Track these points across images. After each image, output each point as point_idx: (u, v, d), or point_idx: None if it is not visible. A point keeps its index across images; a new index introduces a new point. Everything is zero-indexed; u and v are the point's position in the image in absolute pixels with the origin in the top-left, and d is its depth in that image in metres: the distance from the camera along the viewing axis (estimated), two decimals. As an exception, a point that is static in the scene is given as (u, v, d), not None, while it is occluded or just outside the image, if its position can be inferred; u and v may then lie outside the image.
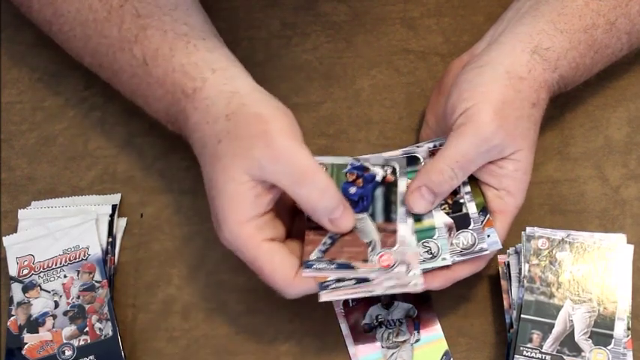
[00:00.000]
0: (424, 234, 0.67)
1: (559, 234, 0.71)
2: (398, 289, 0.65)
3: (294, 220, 0.70)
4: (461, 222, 0.67)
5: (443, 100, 0.73)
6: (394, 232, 0.67)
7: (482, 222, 0.67)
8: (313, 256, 0.66)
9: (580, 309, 0.69)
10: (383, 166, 0.70)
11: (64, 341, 0.72)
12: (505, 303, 0.71)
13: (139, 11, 0.71)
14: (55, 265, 0.74)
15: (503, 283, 0.72)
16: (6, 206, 0.79)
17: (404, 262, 0.65)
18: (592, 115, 0.80)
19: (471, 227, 0.67)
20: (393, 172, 0.70)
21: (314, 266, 0.65)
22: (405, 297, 0.74)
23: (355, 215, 0.67)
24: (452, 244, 0.67)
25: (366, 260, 0.66)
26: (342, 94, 0.82)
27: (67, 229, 0.75)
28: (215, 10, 0.84)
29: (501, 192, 0.68)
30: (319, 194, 0.65)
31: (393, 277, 0.65)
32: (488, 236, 0.67)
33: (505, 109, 0.66)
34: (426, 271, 0.66)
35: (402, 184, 0.69)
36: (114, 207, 0.77)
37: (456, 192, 0.68)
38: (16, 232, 0.76)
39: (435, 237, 0.67)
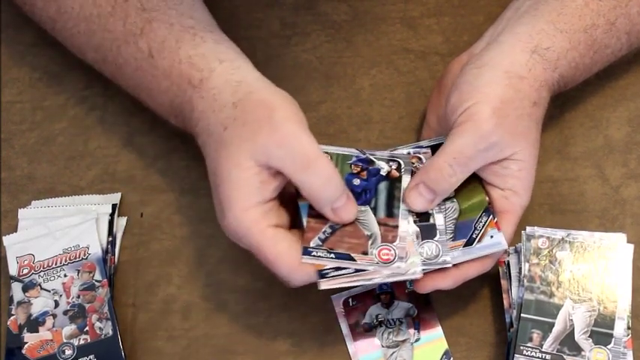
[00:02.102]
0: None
1: (559, 233, 0.71)
2: (397, 277, 0.65)
3: (298, 212, 0.70)
4: (427, 232, 0.67)
5: (443, 100, 0.73)
6: (395, 227, 0.67)
7: (484, 224, 0.67)
8: (313, 243, 0.66)
9: (580, 308, 0.69)
10: (388, 161, 0.70)
11: (64, 340, 0.72)
12: (505, 302, 0.71)
13: (143, 5, 0.71)
14: (55, 264, 0.74)
15: (503, 282, 0.72)
16: (6, 205, 0.79)
17: (403, 258, 0.65)
18: (592, 114, 0.80)
19: (436, 238, 0.67)
20: (398, 167, 0.70)
21: (313, 253, 0.65)
22: (406, 296, 0.74)
23: (358, 207, 0.67)
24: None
25: (365, 253, 0.66)
26: (342, 93, 0.82)
27: (67, 229, 0.75)
28: (215, 10, 0.84)
29: (507, 192, 0.68)
30: (323, 182, 0.65)
31: (391, 270, 0.65)
32: (492, 237, 0.67)
33: (504, 108, 0.66)
34: (427, 271, 0.66)
35: (407, 180, 0.69)
36: (114, 206, 0.77)
37: None
38: (16, 231, 0.76)
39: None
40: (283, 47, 0.84)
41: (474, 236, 0.67)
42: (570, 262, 0.70)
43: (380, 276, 0.65)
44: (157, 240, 0.77)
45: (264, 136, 0.64)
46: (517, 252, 0.71)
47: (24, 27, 0.83)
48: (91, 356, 0.71)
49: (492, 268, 0.71)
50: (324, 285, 0.64)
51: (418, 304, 0.74)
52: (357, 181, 0.69)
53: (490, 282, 0.74)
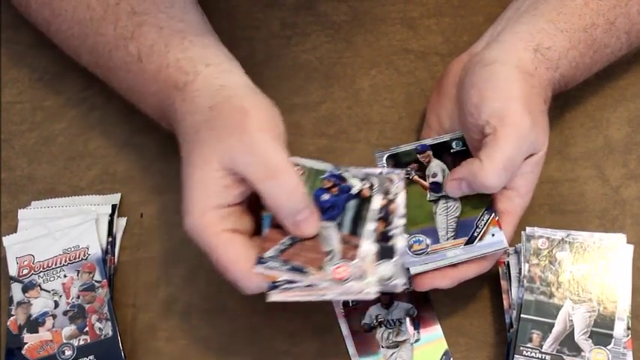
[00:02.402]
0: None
1: (559, 234, 0.71)
2: (350, 296, 0.64)
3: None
4: (385, 252, 0.66)
5: (443, 100, 0.73)
6: (356, 246, 0.65)
7: (486, 222, 0.67)
8: (269, 253, 0.65)
9: (580, 309, 0.69)
10: (362, 179, 0.68)
11: (64, 341, 0.72)
12: (505, 303, 0.71)
13: (134, 9, 0.71)
14: (55, 264, 0.74)
15: (503, 283, 0.72)
16: (6, 206, 0.79)
17: (358, 277, 0.64)
18: (592, 115, 0.80)
19: (393, 260, 0.65)
20: (371, 187, 0.68)
21: (267, 264, 0.64)
22: (405, 297, 0.74)
23: (322, 223, 0.66)
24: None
25: (321, 268, 0.64)
26: (342, 93, 0.82)
27: (66, 229, 0.75)
28: (215, 10, 0.84)
29: (511, 192, 0.68)
30: (286, 193, 0.64)
31: (344, 289, 0.64)
32: (493, 235, 0.67)
33: (529, 104, 0.66)
34: (424, 272, 0.66)
35: (377, 201, 0.67)
36: (114, 207, 0.77)
37: (388, 222, 0.67)
38: (16, 231, 0.76)
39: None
40: (283, 47, 0.84)
41: (476, 234, 0.67)
42: (570, 263, 0.70)
43: (332, 293, 0.64)
44: (156, 240, 0.77)
45: (232, 141, 0.64)
46: (517, 252, 0.71)
47: (24, 27, 0.83)
48: (91, 357, 0.71)
49: (492, 268, 0.71)
50: (274, 297, 0.64)
51: (418, 305, 0.74)
52: (326, 196, 0.67)
53: (490, 282, 0.74)
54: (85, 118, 0.82)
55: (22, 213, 0.77)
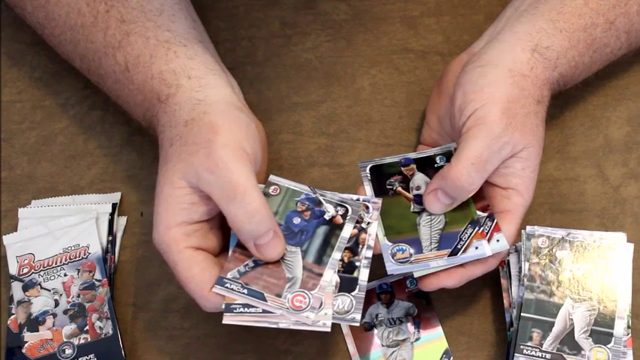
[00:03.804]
0: None
1: (559, 233, 0.71)
2: (304, 326, 0.64)
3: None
4: (346, 284, 0.65)
5: (443, 99, 0.73)
6: (319, 275, 0.65)
7: (469, 235, 0.67)
8: (230, 274, 0.65)
9: (580, 307, 0.69)
10: (336, 205, 0.68)
11: (64, 340, 0.72)
12: (505, 302, 0.71)
13: (123, 17, 0.71)
14: (55, 263, 0.74)
15: (504, 281, 0.72)
16: (6, 205, 0.79)
17: (315, 308, 0.64)
18: (592, 114, 0.80)
19: (354, 293, 0.65)
20: (344, 214, 0.68)
21: (226, 285, 0.64)
22: (406, 296, 0.74)
23: (288, 247, 0.66)
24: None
25: (279, 295, 0.64)
26: (342, 93, 0.82)
27: (67, 228, 0.75)
28: (215, 10, 0.84)
29: (509, 191, 0.68)
30: (247, 216, 0.63)
31: (299, 319, 0.63)
32: (498, 241, 0.67)
33: (512, 108, 0.66)
34: (436, 271, 0.67)
35: (348, 230, 0.67)
36: (114, 206, 0.77)
37: (355, 253, 0.67)
38: (16, 230, 0.76)
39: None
40: (283, 47, 0.84)
41: (459, 247, 0.67)
42: (570, 262, 0.70)
43: (286, 321, 0.63)
44: (157, 239, 0.77)
45: (197, 159, 0.64)
46: (517, 251, 0.72)
47: (24, 27, 0.83)
48: (91, 355, 0.71)
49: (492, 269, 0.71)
50: (228, 320, 0.63)
51: (418, 304, 0.74)
52: (297, 220, 0.67)
53: (490, 281, 0.74)
54: (85, 117, 0.82)
55: (22, 212, 0.77)
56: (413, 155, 0.72)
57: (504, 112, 0.66)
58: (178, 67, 0.69)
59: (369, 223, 0.67)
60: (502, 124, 0.66)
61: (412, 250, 0.67)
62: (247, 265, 0.65)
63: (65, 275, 0.74)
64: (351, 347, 0.73)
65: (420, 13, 0.85)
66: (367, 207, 0.68)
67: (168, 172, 0.65)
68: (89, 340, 0.72)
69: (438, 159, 0.71)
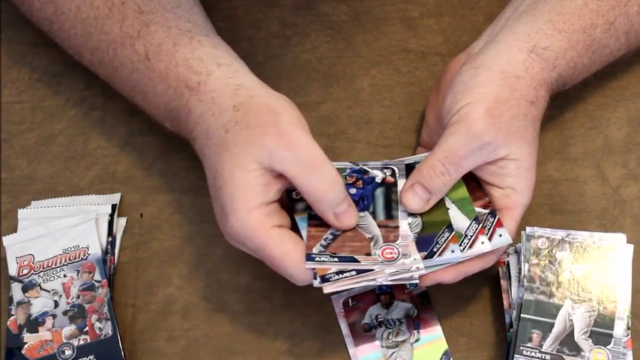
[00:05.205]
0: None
1: (559, 233, 0.71)
2: (400, 275, 0.65)
3: (295, 226, 0.69)
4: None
5: (441, 100, 0.73)
6: (396, 227, 0.67)
7: (446, 239, 0.67)
8: (315, 250, 0.66)
9: (580, 308, 0.69)
10: (382, 169, 0.70)
11: (64, 341, 0.72)
12: (505, 303, 0.71)
13: (141, 8, 0.71)
14: (55, 264, 0.74)
15: (503, 282, 0.72)
16: (6, 206, 0.79)
17: (406, 255, 0.66)
18: (592, 114, 0.80)
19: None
20: (393, 174, 0.70)
21: (316, 259, 0.65)
22: (405, 297, 0.74)
23: (358, 213, 0.68)
24: None
25: (369, 254, 0.66)
26: (342, 93, 0.82)
27: (66, 229, 0.75)
28: (215, 10, 0.84)
29: (507, 190, 0.68)
30: (328, 185, 0.65)
31: (396, 267, 0.65)
32: (500, 236, 0.67)
33: (498, 108, 0.66)
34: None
35: (402, 184, 0.69)
36: (114, 207, 0.77)
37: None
38: (15, 231, 0.76)
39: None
40: (283, 48, 0.84)
41: (435, 250, 0.67)
42: (570, 263, 0.70)
43: (383, 275, 0.65)
44: (156, 240, 0.77)
45: (269, 139, 0.65)
46: (517, 252, 0.72)
47: (24, 27, 0.83)
48: (91, 356, 0.71)
49: (492, 268, 0.71)
50: (328, 289, 0.64)
51: (418, 305, 0.74)
52: (353, 190, 0.69)
53: (490, 282, 0.74)
54: (85, 117, 0.82)
55: (22, 213, 0.77)
56: (394, 162, 0.72)
57: (488, 111, 0.66)
58: (205, 55, 0.69)
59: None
60: (484, 123, 0.66)
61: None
62: (327, 238, 0.67)
63: (65, 276, 0.74)
64: (351, 348, 0.73)
65: (420, 13, 0.85)
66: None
67: (236, 157, 0.65)
68: (89, 341, 0.72)
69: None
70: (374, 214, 0.68)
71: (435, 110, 0.74)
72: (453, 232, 0.67)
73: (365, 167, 0.71)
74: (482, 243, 0.67)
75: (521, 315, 0.69)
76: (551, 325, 0.68)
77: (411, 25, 0.84)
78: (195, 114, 0.68)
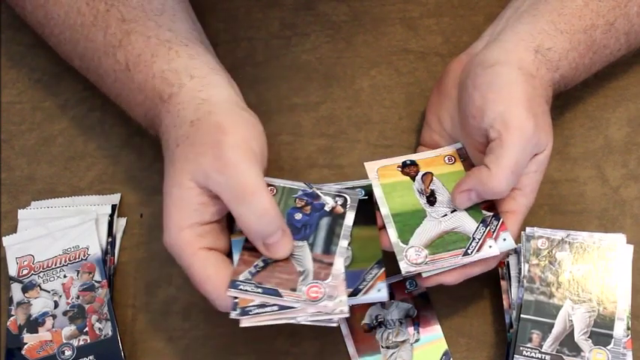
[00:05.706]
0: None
1: (559, 234, 0.71)
2: (322, 317, 0.63)
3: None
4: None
5: (444, 100, 0.73)
6: (330, 264, 0.65)
7: (374, 276, 0.65)
8: (242, 277, 0.65)
9: (580, 309, 0.69)
10: (335, 196, 0.69)
11: (64, 341, 0.72)
12: (505, 303, 0.71)
13: (124, 16, 0.71)
14: (55, 265, 0.74)
15: (503, 283, 0.72)
16: (6, 206, 0.79)
17: (332, 296, 0.64)
18: (592, 115, 0.80)
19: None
20: (344, 203, 0.68)
21: (240, 287, 0.64)
22: (405, 297, 0.74)
23: (294, 242, 0.66)
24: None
25: (294, 289, 0.64)
26: (342, 94, 0.82)
27: (66, 229, 0.75)
28: (215, 11, 0.84)
29: (516, 192, 0.68)
30: (256, 216, 0.63)
31: (318, 309, 0.63)
32: (504, 240, 0.67)
33: (532, 107, 0.66)
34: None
35: (350, 217, 0.68)
36: (114, 207, 0.77)
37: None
38: (15, 232, 0.76)
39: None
40: (283, 48, 0.84)
41: (361, 287, 0.65)
42: (570, 263, 0.70)
43: (304, 314, 0.63)
44: (156, 240, 0.77)
45: (206, 160, 0.63)
46: (517, 253, 0.71)
47: (24, 27, 0.83)
48: (91, 357, 0.71)
49: (492, 268, 0.71)
50: (245, 323, 0.63)
51: (418, 305, 0.74)
52: (298, 216, 0.67)
53: (490, 282, 0.74)
54: (85, 118, 0.82)
55: (21, 213, 0.77)
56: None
57: (529, 111, 0.66)
58: (180, 67, 0.69)
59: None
60: (532, 125, 0.66)
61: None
62: (257, 265, 0.65)
63: (65, 276, 0.74)
64: (351, 348, 0.73)
65: (420, 14, 0.85)
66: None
67: (176, 173, 0.65)
68: (89, 341, 0.72)
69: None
70: (312, 246, 0.66)
71: (437, 110, 0.74)
72: (383, 269, 0.66)
73: (318, 192, 0.69)
74: (490, 247, 0.66)
75: (521, 315, 0.69)
76: (551, 326, 0.68)
77: (411, 26, 0.84)
78: (163, 125, 0.68)
